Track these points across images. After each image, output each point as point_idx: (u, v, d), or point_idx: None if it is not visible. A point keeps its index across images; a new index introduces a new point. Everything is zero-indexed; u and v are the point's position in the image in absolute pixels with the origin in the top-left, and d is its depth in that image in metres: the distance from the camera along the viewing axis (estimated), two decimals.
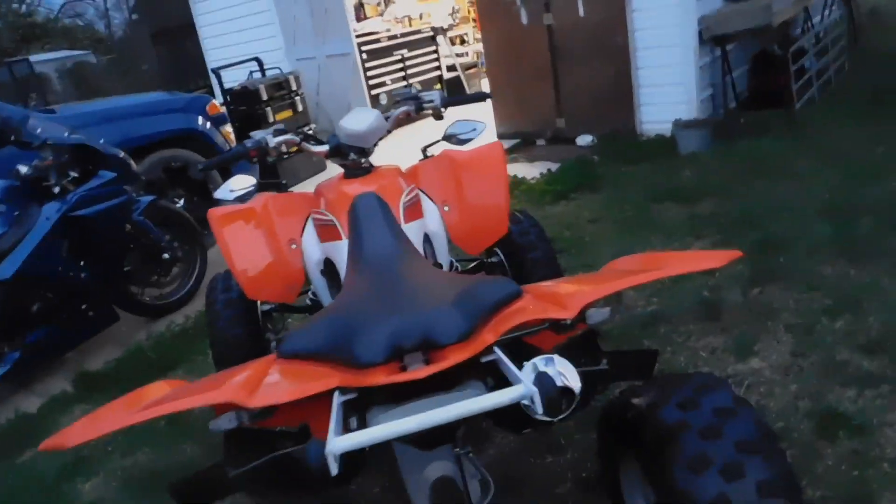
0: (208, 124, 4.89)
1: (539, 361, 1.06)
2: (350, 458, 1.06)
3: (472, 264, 2.73)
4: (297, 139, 2.10)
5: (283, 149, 2.09)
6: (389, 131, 2.16)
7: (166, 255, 3.62)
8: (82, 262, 3.19)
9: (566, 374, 1.06)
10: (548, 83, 5.78)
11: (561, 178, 4.83)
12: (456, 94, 8.01)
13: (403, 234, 1.71)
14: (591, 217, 4.05)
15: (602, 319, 1.25)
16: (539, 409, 0.95)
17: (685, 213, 3.77)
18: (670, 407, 1.27)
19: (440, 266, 2.22)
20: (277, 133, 2.10)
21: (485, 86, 8.29)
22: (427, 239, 2.18)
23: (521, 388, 0.98)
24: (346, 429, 1.09)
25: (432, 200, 2.27)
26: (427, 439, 1.16)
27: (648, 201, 4.06)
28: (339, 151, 2.04)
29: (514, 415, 1.36)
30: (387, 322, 1.13)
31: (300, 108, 6.38)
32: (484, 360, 1.15)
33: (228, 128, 5.27)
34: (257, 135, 2.06)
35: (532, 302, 1.20)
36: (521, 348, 1.36)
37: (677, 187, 4.18)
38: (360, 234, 1.70)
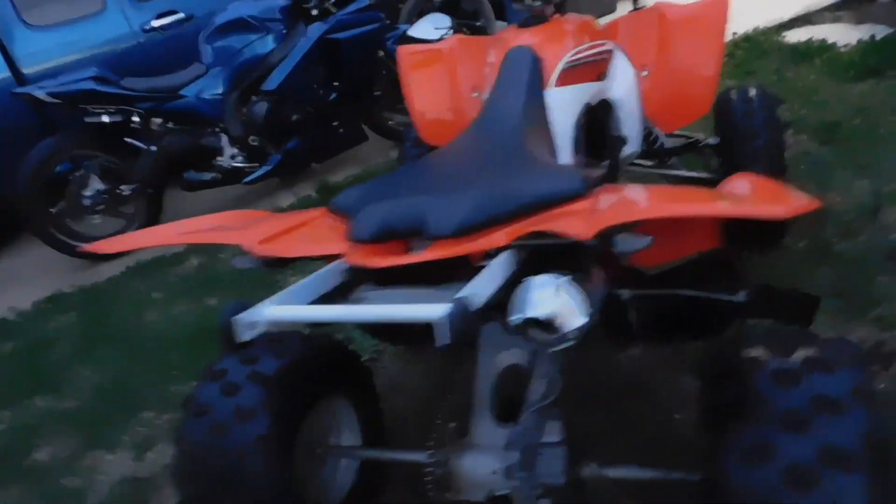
0: None
1: (542, 280, 0.91)
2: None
3: (685, 142, 2.39)
4: None
5: None
6: None
7: None
8: (336, 83, 3.51)
9: (564, 304, 0.90)
10: None
11: (882, 50, 3.79)
12: None
13: (536, 102, 1.54)
14: None
15: (634, 249, 1.01)
16: (443, 336, 0.81)
17: None
18: (765, 373, 1.02)
19: (623, 139, 1.97)
20: None
21: None
22: (610, 106, 1.94)
23: (433, 309, 0.84)
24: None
25: (630, 61, 1.98)
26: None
27: None
28: None
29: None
30: (399, 199, 1.06)
31: None
32: (483, 263, 1.02)
33: None
34: None
35: (581, 210, 1.01)
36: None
37: None
38: (492, 91, 1.58)
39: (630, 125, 2.00)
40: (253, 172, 3.46)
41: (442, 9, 4.63)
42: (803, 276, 2.10)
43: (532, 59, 1.66)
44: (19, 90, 3.18)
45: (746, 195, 0.96)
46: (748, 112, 2.10)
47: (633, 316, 1.35)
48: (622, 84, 1.96)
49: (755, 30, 4.50)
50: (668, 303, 1.35)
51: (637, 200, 1.04)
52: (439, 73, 2.06)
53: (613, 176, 2.05)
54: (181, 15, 3.85)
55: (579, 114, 1.70)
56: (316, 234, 1.16)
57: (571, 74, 1.70)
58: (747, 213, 0.84)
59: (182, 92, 3.32)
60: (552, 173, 1.11)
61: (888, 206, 2.36)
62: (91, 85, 3.15)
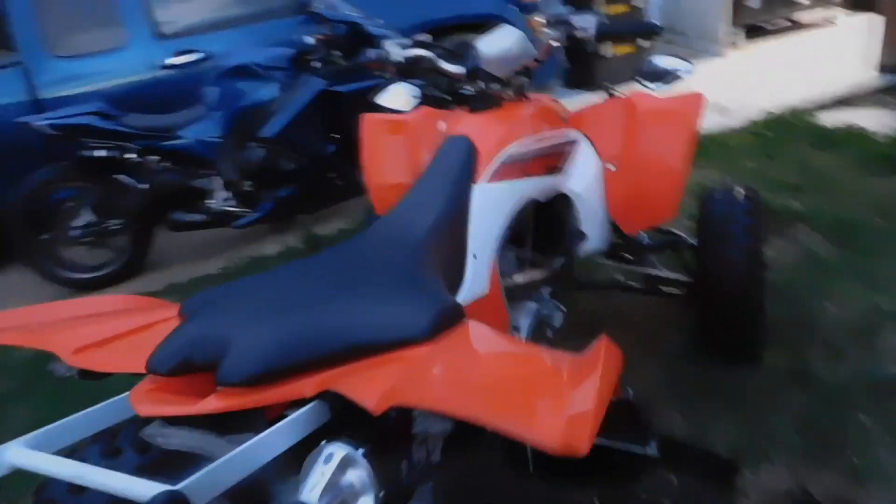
0: (514, 10, 4.67)
1: (328, 452, 0.77)
2: None
3: (665, 240, 2.22)
4: (431, 55, 1.85)
5: (411, 64, 1.87)
6: (539, 61, 1.76)
7: None
8: (335, 135, 3.46)
9: (347, 485, 0.76)
10: None
11: None
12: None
13: (458, 198, 1.40)
14: None
15: (433, 432, 0.86)
16: None
17: None
18: None
19: (581, 234, 1.83)
20: (413, 45, 1.87)
21: None
22: (570, 201, 1.80)
23: (144, 490, 0.71)
24: None
25: (596, 153, 1.85)
26: None
27: None
28: (477, 76, 1.74)
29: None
30: (215, 322, 0.93)
31: (638, 2, 5.67)
32: (287, 412, 0.87)
33: (539, 17, 4.98)
34: (386, 44, 1.87)
35: (394, 367, 0.86)
36: None
37: None
38: (415, 184, 1.47)
39: (591, 221, 1.85)
40: (243, 217, 3.42)
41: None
42: (773, 401, 1.88)
43: (467, 151, 1.54)
44: (23, 119, 3.24)
45: (562, 398, 0.79)
46: (729, 216, 1.92)
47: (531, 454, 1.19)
48: (584, 177, 1.82)
49: (789, 109, 4.28)
50: None
51: (440, 377, 0.88)
52: (399, 145, 1.97)
53: (569, 273, 1.90)
54: (200, 54, 3.89)
55: (515, 210, 1.56)
56: (145, 343, 1.04)
57: (513, 168, 1.57)
58: (521, 435, 0.68)
59: (180, 132, 3.32)
60: (401, 307, 0.96)
61: (888, 329, 2.12)
62: (91, 120, 3.19)
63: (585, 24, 1.69)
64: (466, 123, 1.64)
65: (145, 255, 3.55)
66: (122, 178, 3.28)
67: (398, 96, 2.10)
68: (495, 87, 1.74)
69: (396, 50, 1.86)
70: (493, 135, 1.58)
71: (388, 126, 2.02)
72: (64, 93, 3.71)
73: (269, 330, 0.90)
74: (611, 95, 1.96)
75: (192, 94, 3.54)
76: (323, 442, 0.80)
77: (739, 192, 2.00)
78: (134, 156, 3.26)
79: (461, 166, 1.50)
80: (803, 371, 1.98)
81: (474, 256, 1.39)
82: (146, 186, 3.30)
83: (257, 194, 3.43)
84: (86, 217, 3.33)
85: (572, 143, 1.82)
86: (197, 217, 3.42)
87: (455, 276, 1.32)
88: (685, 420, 1.85)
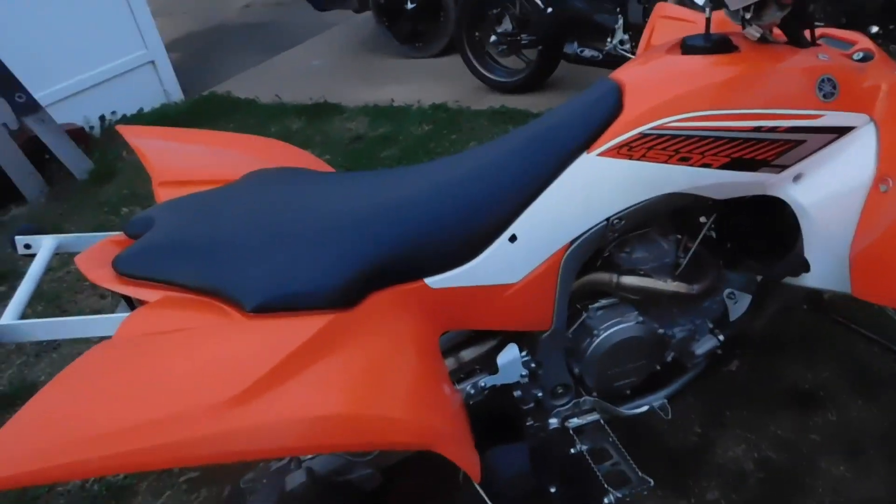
0: None
1: None
2: None
3: None
4: None
5: None
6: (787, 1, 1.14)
7: None
8: None
9: None
10: None
11: None
12: None
13: (544, 165, 1.18)
14: None
15: None
16: None
17: None
18: None
19: (801, 262, 1.30)
20: None
21: None
22: (786, 209, 1.29)
23: None
24: None
25: (876, 158, 1.23)
26: None
27: None
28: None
29: None
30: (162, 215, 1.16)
31: None
32: None
33: None
34: None
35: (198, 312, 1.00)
36: None
37: None
38: (528, 125, 1.30)
39: (822, 251, 1.27)
40: None
41: None
42: None
43: (609, 105, 1.19)
44: None
45: None
46: None
47: None
48: (829, 187, 1.22)
49: None
50: None
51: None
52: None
53: (760, 312, 1.44)
54: None
55: (632, 202, 1.20)
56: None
57: (663, 144, 1.17)
58: None
59: None
60: (272, 267, 1.01)
61: None
62: None
63: None
64: (639, 67, 1.28)
65: (548, 75, 3.73)
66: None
67: None
68: (745, 16, 1.24)
69: None
70: (654, 94, 1.17)
71: (674, 22, 1.66)
72: None
73: (168, 238, 1.10)
74: None
75: None
76: None
77: None
78: None
79: (588, 122, 1.20)
80: None
81: (511, 238, 1.16)
82: (550, 10, 3.35)
83: None
84: (505, 26, 3.62)
85: (836, 130, 1.22)
86: (589, 53, 3.37)
87: (458, 250, 1.18)
88: None
